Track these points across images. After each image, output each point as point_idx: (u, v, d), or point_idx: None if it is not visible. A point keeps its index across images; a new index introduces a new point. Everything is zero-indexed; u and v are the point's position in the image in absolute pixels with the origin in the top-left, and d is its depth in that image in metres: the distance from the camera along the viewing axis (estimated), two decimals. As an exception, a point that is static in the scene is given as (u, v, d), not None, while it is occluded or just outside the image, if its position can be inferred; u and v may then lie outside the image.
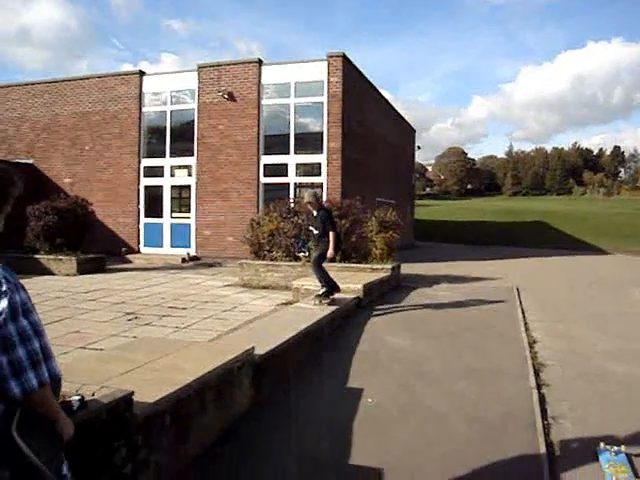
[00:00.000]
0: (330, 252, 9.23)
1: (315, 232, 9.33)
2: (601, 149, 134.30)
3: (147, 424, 3.90)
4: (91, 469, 3.28)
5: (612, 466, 4.78)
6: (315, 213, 9.29)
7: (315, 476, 4.39)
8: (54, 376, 2.12)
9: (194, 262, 19.04)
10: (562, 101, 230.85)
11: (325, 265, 9.46)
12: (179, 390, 4.24)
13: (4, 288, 2.05)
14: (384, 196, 23.61)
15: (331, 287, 9.35)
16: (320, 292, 9.28)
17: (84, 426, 3.01)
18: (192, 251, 20.07)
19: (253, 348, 5.64)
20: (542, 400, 6.26)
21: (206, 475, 4.40)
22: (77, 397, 3.15)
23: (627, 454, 4.98)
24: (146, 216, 21.07)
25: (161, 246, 20.75)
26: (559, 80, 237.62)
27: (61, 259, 15.51)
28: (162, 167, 20.95)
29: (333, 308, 8.84)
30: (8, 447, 2.07)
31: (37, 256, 15.80)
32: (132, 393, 3.68)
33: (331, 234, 9.21)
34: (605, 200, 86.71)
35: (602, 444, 5.09)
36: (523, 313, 10.93)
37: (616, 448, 5.03)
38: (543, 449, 5.00)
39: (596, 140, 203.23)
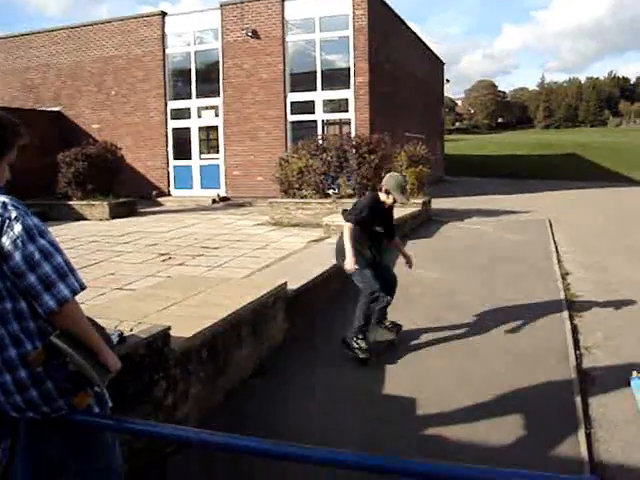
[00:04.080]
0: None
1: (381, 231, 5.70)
2: (639, 77, 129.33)
3: (185, 358, 4.01)
4: (132, 401, 3.41)
5: (644, 393, 4.80)
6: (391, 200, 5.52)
7: (348, 405, 4.49)
8: (82, 286, 2.19)
9: (224, 202, 19.13)
10: (600, 27, 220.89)
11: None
12: (215, 325, 4.34)
13: (15, 214, 2.11)
14: (413, 131, 23.26)
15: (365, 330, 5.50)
16: (355, 339, 5.42)
17: (123, 360, 3.11)
18: (222, 192, 20.13)
19: (286, 283, 5.72)
20: (575, 331, 6.27)
21: (242, 406, 4.53)
22: (116, 333, 3.24)
23: (661, 382, 5.00)
24: (175, 158, 21.07)
25: (191, 188, 20.82)
26: (597, 4, 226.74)
27: (93, 204, 15.70)
28: (189, 109, 20.83)
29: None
30: (48, 360, 2.17)
31: (70, 202, 16.00)
32: (169, 328, 3.77)
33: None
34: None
35: (634, 372, 5.11)
36: (556, 245, 10.84)
37: (649, 376, 5.04)
38: (575, 377, 5.05)
39: (635, 68, 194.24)
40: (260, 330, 5.17)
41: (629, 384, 4.99)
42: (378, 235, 5.66)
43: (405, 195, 5.49)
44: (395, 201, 5.49)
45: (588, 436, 4.20)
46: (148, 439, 3.44)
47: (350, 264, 5.17)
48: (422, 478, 1.93)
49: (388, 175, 5.67)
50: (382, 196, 5.50)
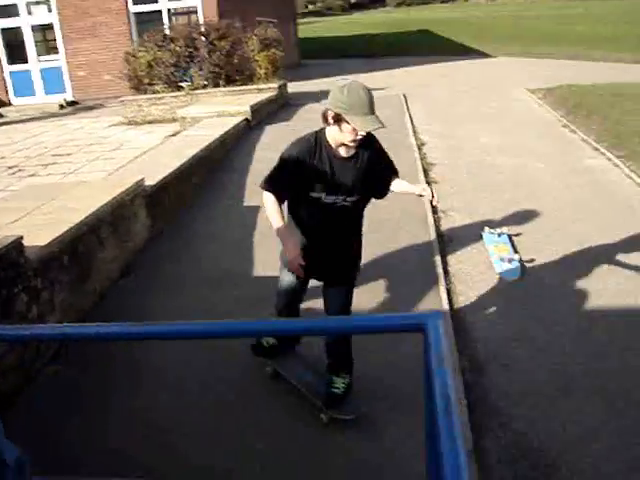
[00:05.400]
0: None
1: (344, 201, 3.07)
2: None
3: (44, 266, 3.85)
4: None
5: (495, 246, 5.23)
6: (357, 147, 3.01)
7: (225, 285, 4.56)
8: None
9: (73, 107, 17.92)
10: None
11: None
12: (71, 229, 4.16)
13: None
14: (264, 15, 22.51)
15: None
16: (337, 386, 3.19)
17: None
18: (69, 96, 18.79)
19: (143, 179, 5.54)
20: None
21: (114, 306, 4.47)
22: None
23: (508, 235, 5.47)
24: (10, 63, 19.28)
25: (34, 95, 19.23)
26: None
27: None
28: (15, 5, 18.83)
29: (222, 132, 8.69)
30: None
31: None
32: (21, 237, 3.59)
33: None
34: (489, 5, 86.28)
35: (487, 228, 5.54)
36: (411, 118, 11.15)
37: (499, 230, 5.50)
38: (434, 237, 5.39)
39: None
40: (122, 230, 5.02)
41: (482, 239, 5.41)
42: (329, 208, 3.06)
43: (375, 116, 2.79)
44: (356, 134, 2.83)
45: (448, 290, 4.54)
46: (19, 344, 3.33)
47: (290, 250, 2.92)
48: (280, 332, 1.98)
49: (336, 88, 2.90)
50: (330, 132, 3.04)
